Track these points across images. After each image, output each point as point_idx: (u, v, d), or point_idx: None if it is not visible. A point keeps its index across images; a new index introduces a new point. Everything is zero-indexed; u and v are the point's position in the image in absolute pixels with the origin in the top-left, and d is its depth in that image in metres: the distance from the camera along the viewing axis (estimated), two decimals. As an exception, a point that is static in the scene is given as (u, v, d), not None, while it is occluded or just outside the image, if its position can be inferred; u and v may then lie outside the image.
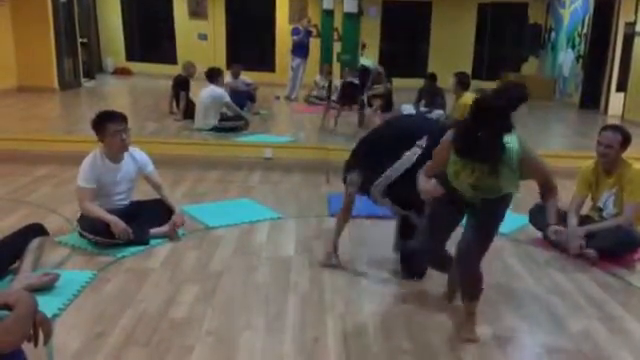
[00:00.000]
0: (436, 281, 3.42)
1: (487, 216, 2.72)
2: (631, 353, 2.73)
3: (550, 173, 2.75)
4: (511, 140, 2.52)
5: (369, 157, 3.44)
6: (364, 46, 10.40)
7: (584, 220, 4.06)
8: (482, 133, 2.38)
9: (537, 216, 4.25)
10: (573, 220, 3.99)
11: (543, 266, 3.80)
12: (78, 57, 12.61)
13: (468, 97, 7.79)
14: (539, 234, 4.25)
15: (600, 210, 4.06)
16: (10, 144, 6.30)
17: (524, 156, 2.56)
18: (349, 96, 8.81)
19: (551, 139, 9.32)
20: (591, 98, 12.40)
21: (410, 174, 3.04)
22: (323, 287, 3.31)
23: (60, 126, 8.15)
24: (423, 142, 3.23)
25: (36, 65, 11.21)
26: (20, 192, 4.93)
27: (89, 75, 13.73)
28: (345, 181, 3.53)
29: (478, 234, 2.75)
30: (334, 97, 9.38)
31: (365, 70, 9.04)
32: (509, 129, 2.47)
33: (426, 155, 3.00)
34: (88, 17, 14.63)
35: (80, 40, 12.87)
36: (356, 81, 9.11)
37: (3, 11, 10.82)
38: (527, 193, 5.52)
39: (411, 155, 3.23)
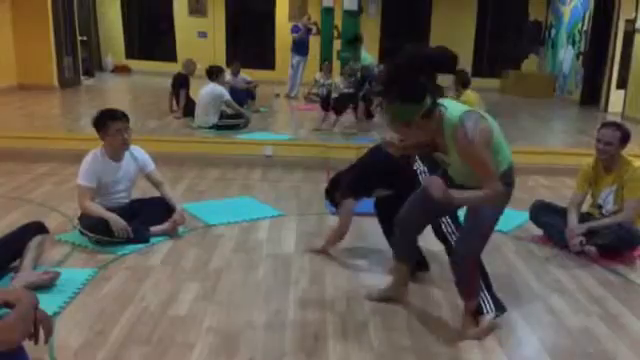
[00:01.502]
0: (437, 278, 3.43)
1: (472, 214, 2.66)
2: (631, 350, 2.74)
3: (489, 171, 2.38)
4: (452, 110, 2.41)
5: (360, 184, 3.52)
6: (360, 39, 10.31)
7: (584, 217, 4.06)
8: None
9: (538, 213, 4.26)
10: (573, 217, 4.00)
11: (543, 263, 3.80)
12: (78, 55, 12.58)
13: (468, 95, 7.79)
14: (540, 231, 4.25)
15: (600, 207, 4.06)
16: (10, 142, 6.30)
17: (456, 131, 2.36)
18: (343, 103, 8.85)
19: (551, 136, 9.31)
20: (591, 95, 12.38)
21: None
22: (323, 284, 3.31)
23: (60, 124, 8.14)
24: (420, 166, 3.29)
25: (36, 63, 11.20)
26: (21, 190, 4.93)
27: (89, 73, 13.71)
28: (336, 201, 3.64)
29: (467, 234, 2.75)
30: (335, 94, 9.37)
31: (364, 78, 8.99)
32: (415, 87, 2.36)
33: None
34: (88, 15, 14.61)
35: (80, 38, 12.84)
36: (350, 90, 9.15)
37: (3, 9, 10.80)
38: (526, 190, 5.56)
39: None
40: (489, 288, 2.92)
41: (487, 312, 2.84)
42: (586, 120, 10.87)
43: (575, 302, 3.23)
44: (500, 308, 2.91)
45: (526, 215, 4.37)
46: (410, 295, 3.22)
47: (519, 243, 4.15)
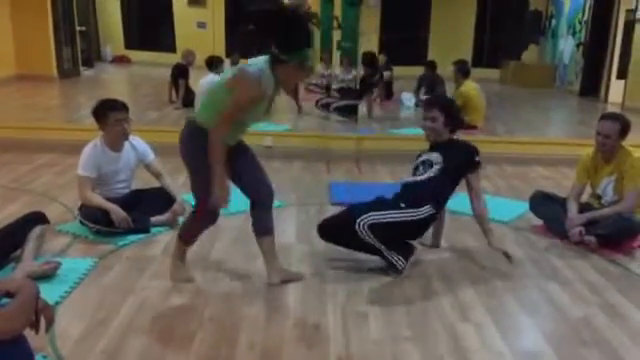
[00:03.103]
0: (436, 268, 3.44)
1: None
2: (630, 339, 2.75)
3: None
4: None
5: None
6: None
7: (584, 207, 4.06)
8: None
9: (538, 203, 4.26)
10: (573, 207, 4.00)
11: (543, 253, 3.81)
12: (77, 45, 12.56)
13: (468, 85, 7.78)
14: (539, 221, 4.26)
15: (599, 197, 4.07)
16: (10, 132, 6.29)
17: None
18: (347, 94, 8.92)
19: (551, 127, 9.30)
20: (591, 85, 12.35)
21: None
22: (323, 274, 3.32)
23: (60, 114, 8.13)
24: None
25: (35, 53, 11.17)
26: (21, 180, 4.93)
27: (88, 63, 13.68)
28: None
29: None
30: (335, 86, 9.38)
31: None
32: None
33: None
34: (86, 5, 14.56)
35: (78, 28, 12.81)
36: (350, 85, 9.19)
37: (1, -1, 10.78)
38: (526, 181, 5.56)
39: None
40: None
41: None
42: (586, 111, 10.86)
43: (574, 292, 3.23)
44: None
45: (526, 205, 4.37)
46: (409, 286, 3.24)
47: (519, 233, 4.15)
